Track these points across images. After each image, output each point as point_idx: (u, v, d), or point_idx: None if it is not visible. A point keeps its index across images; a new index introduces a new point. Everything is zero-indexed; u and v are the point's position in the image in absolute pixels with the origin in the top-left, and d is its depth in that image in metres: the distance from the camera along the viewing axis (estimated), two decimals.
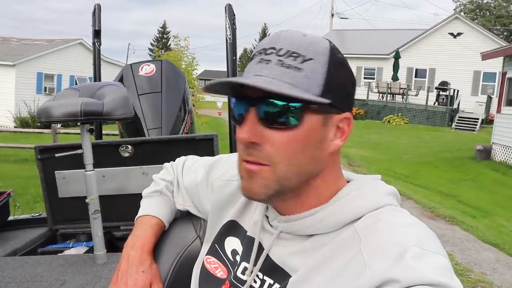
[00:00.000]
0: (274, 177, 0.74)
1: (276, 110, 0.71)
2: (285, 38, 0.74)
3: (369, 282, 0.64)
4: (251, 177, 0.76)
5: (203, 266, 0.96)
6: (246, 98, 0.75)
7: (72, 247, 2.61)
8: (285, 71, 0.71)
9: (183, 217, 1.16)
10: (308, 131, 0.73)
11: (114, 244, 2.69)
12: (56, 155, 2.20)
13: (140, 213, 1.11)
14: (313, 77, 0.72)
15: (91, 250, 2.44)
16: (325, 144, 0.76)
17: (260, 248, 0.85)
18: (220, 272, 0.92)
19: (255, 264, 0.84)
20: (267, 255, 0.83)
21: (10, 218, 2.79)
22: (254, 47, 0.81)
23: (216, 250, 0.96)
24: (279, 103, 0.71)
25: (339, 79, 0.75)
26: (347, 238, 0.74)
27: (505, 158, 12.24)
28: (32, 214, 2.98)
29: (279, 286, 0.79)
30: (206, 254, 0.98)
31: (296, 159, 0.74)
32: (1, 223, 2.70)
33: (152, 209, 1.10)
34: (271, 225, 0.85)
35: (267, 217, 0.87)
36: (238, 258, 0.90)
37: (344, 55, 0.79)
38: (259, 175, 0.75)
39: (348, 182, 0.84)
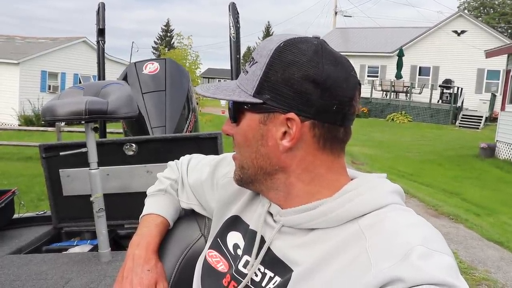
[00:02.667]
0: (238, 164, 0.88)
1: (231, 110, 0.85)
2: (259, 46, 0.84)
3: (375, 280, 0.64)
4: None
5: (205, 260, 0.97)
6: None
7: (77, 245, 2.62)
8: (241, 75, 0.84)
9: (187, 215, 1.16)
10: (246, 128, 0.83)
11: (119, 242, 2.70)
12: (61, 153, 2.21)
13: (144, 211, 1.11)
14: (251, 78, 0.80)
15: (95, 248, 2.45)
16: (269, 142, 0.80)
17: (262, 241, 0.85)
18: (221, 266, 0.93)
19: (256, 257, 0.84)
20: (269, 248, 0.83)
21: (15, 216, 2.80)
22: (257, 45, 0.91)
23: (218, 244, 0.97)
24: (231, 104, 0.85)
25: (277, 79, 0.76)
26: (351, 235, 0.74)
27: (509, 156, 12.20)
28: (37, 212, 2.99)
29: (280, 279, 0.79)
30: (209, 248, 0.98)
31: (243, 151, 0.85)
32: (6, 221, 2.71)
33: (157, 207, 1.10)
34: (274, 220, 0.86)
35: (270, 214, 0.87)
36: (239, 252, 0.91)
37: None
38: (235, 162, 0.90)
39: (352, 180, 0.84)
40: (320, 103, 0.75)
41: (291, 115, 0.76)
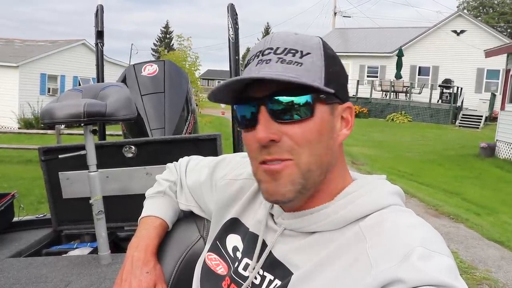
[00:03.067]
0: (298, 170, 0.74)
1: (288, 105, 0.73)
2: (279, 38, 0.76)
3: (375, 281, 0.64)
4: (275, 179, 0.75)
5: (204, 263, 0.97)
6: (252, 99, 0.76)
7: (77, 248, 2.62)
8: (287, 67, 0.73)
9: (186, 217, 1.16)
10: (320, 121, 0.75)
11: (119, 245, 2.70)
12: (60, 156, 2.20)
13: (143, 214, 1.11)
14: (313, 70, 0.74)
15: (95, 251, 2.44)
16: (335, 134, 0.79)
17: (263, 245, 0.85)
18: (221, 269, 0.93)
19: (257, 261, 0.84)
20: (270, 251, 0.83)
21: (15, 219, 2.80)
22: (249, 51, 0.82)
23: (218, 247, 0.97)
24: (290, 98, 0.73)
25: (335, 71, 0.78)
26: (351, 237, 0.74)
27: (509, 156, 12.19)
28: (37, 215, 2.98)
29: (280, 282, 0.79)
30: (208, 251, 0.98)
31: (315, 149, 0.75)
32: (5, 224, 2.70)
33: (155, 210, 1.10)
34: (275, 223, 0.86)
35: (271, 215, 0.87)
36: (238, 254, 0.91)
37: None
38: (283, 173, 0.74)
39: (353, 181, 0.84)
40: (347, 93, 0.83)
41: (349, 104, 0.81)
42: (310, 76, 0.73)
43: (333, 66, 0.77)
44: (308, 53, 0.74)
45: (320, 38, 0.80)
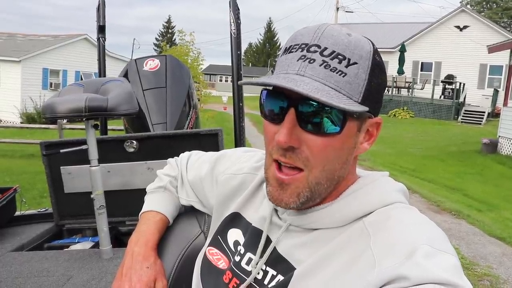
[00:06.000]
0: (306, 184, 0.73)
1: (318, 115, 0.70)
2: (330, 36, 0.71)
3: (378, 278, 0.64)
4: (282, 188, 0.75)
5: (205, 257, 0.97)
6: (284, 96, 0.72)
7: (78, 242, 2.63)
8: (329, 74, 0.69)
9: (187, 212, 1.16)
10: (345, 138, 0.73)
11: (120, 239, 2.71)
12: (61, 151, 2.20)
13: (144, 209, 1.11)
14: (355, 82, 0.70)
15: (96, 245, 2.45)
16: (355, 148, 0.77)
17: (267, 240, 0.85)
18: (222, 263, 0.93)
19: (261, 256, 0.84)
20: (274, 247, 0.83)
21: (17, 213, 2.81)
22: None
23: (219, 241, 0.97)
24: (325, 109, 0.69)
25: (376, 85, 0.74)
26: (355, 233, 0.74)
27: (511, 152, 12.17)
28: (39, 210, 2.99)
29: (282, 277, 0.79)
30: (209, 245, 0.98)
31: (330, 164, 0.73)
32: (8, 218, 2.71)
33: (156, 204, 1.10)
34: (279, 218, 0.85)
35: (275, 210, 0.87)
36: (240, 248, 0.90)
37: None
38: (291, 185, 0.74)
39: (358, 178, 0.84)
40: None
41: (379, 119, 0.78)
42: (350, 89, 0.70)
43: (377, 77, 0.73)
44: (355, 63, 0.70)
45: (372, 44, 0.75)
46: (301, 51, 0.71)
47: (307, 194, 0.74)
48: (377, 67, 0.73)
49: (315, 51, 0.70)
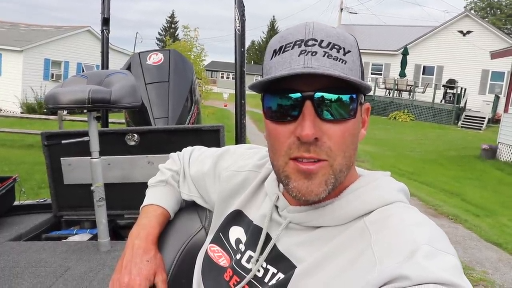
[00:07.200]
0: (331, 171, 0.72)
1: (336, 103, 0.71)
2: (321, 30, 0.72)
3: (379, 277, 0.64)
4: (308, 178, 0.72)
5: (206, 254, 0.97)
6: (293, 91, 0.71)
7: (76, 234, 2.63)
8: (333, 62, 0.70)
9: (188, 207, 1.16)
10: (356, 122, 0.75)
11: (118, 232, 2.71)
12: (63, 141, 2.20)
13: (145, 202, 1.11)
14: (354, 69, 0.72)
15: (94, 237, 2.45)
16: (360, 134, 0.79)
17: (268, 238, 0.85)
18: (223, 261, 0.93)
19: (261, 254, 0.84)
20: (274, 244, 0.83)
21: (16, 203, 2.81)
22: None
23: (220, 238, 0.96)
24: (338, 96, 0.71)
25: (363, 72, 0.78)
26: (356, 232, 0.74)
27: (510, 158, 12.18)
28: (37, 200, 3.00)
29: (283, 275, 0.79)
30: (210, 243, 0.98)
31: (348, 150, 0.74)
32: (6, 208, 2.72)
33: (158, 198, 1.10)
34: (279, 215, 0.85)
35: (276, 207, 0.87)
36: (241, 246, 0.90)
37: None
38: (318, 173, 0.72)
39: (359, 176, 0.84)
40: None
41: (368, 104, 0.82)
42: (352, 75, 0.71)
43: (362, 64, 0.78)
44: (349, 51, 0.72)
45: (353, 36, 0.78)
46: (298, 47, 0.71)
47: (333, 181, 0.73)
48: (361, 55, 0.78)
49: (313, 44, 0.71)
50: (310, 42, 0.71)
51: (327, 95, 0.70)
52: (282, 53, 0.73)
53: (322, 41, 0.71)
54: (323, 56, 0.70)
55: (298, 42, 0.71)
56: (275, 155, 0.76)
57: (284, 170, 0.74)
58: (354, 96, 0.72)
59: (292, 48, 0.71)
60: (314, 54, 0.70)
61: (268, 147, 0.80)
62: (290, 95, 0.71)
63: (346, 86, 0.71)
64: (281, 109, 0.73)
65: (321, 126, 0.71)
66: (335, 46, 0.71)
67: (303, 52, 0.70)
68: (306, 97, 0.70)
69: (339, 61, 0.70)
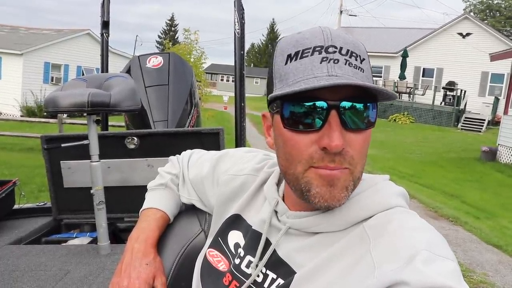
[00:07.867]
0: (351, 178, 0.72)
1: (361, 113, 0.71)
2: (338, 36, 0.72)
3: (378, 282, 0.64)
4: (331, 184, 0.71)
5: (205, 259, 0.96)
6: (317, 100, 0.69)
7: (76, 237, 2.63)
8: (354, 71, 0.70)
9: (188, 210, 1.16)
10: (371, 131, 0.75)
11: (118, 236, 2.71)
12: (62, 145, 2.21)
13: (145, 205, 1.11)
14: (370, 76, 0.73)
15: (94, 240, 2.45)
16: None
17: (267, 243, 0.85)
18: (222, 265, 0.93)
19: (261, 259, 0.83)
20: (274, 250, 0.83)
21: (15, 206, 2.81)
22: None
23: (219, 243, 0.96)
24: (363, 105, 0.71)
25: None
26: (355, 237, 0.74)
27: (510, 160, 12.18)
28: (37, 203, 3.00)
29: (282, 281, 0.78)
30: (209, 247, 0.98)
31: (365, 158, 0.75)
32: (6, 211, 2.71)
33: (157, 202, 1.10)
34: (279, 220, 0.85)
35: (275, 212, 0.86)
36: (240, 250, 0.90)
37: None
38: (341, 179, 0.71)
39: None
40: None
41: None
42: (369, 83, 0.70)
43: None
44: (364, 59, 0.73)
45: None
46: (319, 53, 0.70)
47: (352, 187, 0.73)
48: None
49: (334, 52, 0.70)
50: (330, 49, 0.70)
51: (355, 105, 0.70)
52: (300, 58, 0.71)
53: (341, 48, 0.70)
54: (345, 64, 0.69)
55: (317, 48, 0.70)
56: (291, 164, 0.74)
57: (305, 176, 0.72)
58: (375, 105, 0.73)
59: (311, 54, 0.70)
60: (336, 62, 0.69)
61: (279, 154, 0.78)
62: (315, 103, 0.69)
63: (365, 95, 0.71)
64: (303, 118, 0.71)
65: (345, 135, 0.70)
66: (353, 54, 0.71)
67: (324, 59, 0.69)
68: (332, 106, 0.69)
69: (358, 69, 0.70)
